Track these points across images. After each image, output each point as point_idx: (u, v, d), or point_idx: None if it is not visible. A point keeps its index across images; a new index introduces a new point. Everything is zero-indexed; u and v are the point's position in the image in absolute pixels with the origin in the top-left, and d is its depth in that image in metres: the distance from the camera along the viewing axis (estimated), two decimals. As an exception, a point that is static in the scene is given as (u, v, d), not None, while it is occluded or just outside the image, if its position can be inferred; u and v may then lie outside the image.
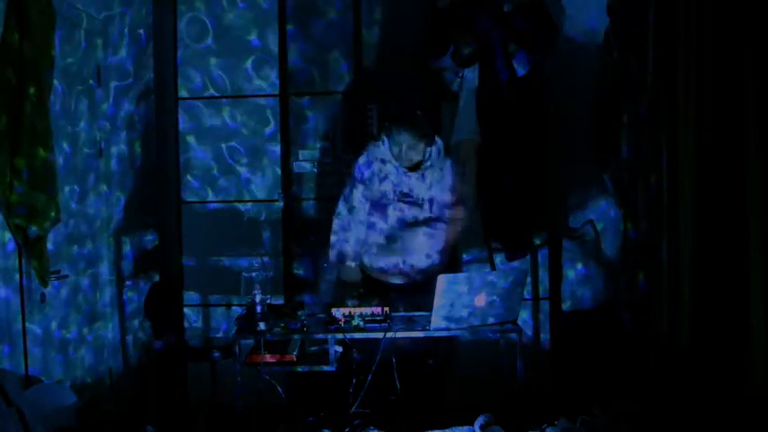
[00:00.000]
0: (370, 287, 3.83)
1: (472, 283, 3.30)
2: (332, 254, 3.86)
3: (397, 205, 3.76)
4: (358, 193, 3.79)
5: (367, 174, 3.77)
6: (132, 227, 4.40)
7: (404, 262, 3.81)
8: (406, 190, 3.75)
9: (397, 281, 3.85)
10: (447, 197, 3.79)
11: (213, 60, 4.68)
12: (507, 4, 4.14)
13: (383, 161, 3.75)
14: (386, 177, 3.75)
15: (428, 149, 3.71)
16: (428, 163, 3.73)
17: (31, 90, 3.12)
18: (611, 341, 4.09)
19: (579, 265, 4.56)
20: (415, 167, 3.72)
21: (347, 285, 3.87)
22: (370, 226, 3.81)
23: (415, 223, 3.78)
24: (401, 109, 3.94)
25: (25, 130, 3.09)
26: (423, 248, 3.79)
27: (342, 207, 3.84)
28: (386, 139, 3.73)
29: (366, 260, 3.85)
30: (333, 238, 3.85)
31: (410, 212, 3.77)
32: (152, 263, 4.60)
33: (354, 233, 3.80)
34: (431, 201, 3.76)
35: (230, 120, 4.71)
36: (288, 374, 3.75)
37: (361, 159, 3.80)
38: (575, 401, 3.48)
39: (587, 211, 4.52)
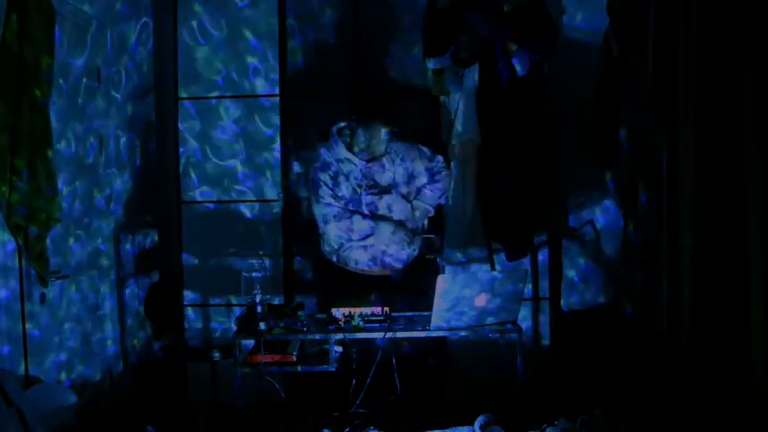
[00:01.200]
0: (359, 282, 3.84)
1: (472, 282, 3.30)
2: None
3: (367, 198, 3.77)
4: (325, 195, 3.78)
5: (327, 175, 3.79)
6: (132, 226, 4.39)
7: (383, 253, 3.80)
8: (372, 182, 3.77)
9: (378, 273, 3.83)
10: (415, 179, 3.82)
11: (214, 60, 4.68)
12: (507, 4, 4.14)
13: (340, 161, 3.79)
14: (349, 173, 3.77)
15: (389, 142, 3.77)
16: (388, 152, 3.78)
17: (32, 90, 3.12)
18: (611, 341, 4.09)
19: (579, 265, 4.55)
20: (374, 159, 3.77)
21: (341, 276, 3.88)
22: (345, 223, 3.79)
23: (386, 216, 3.78)
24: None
25: (25, 130, 3.09)
26: (399, 238, 3.79)
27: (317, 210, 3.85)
28: (338, 140, 3.79)
29: (347, 256, 3.83)
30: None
31: (381, 202, 3.77)
32: (152, 262, 4.60)
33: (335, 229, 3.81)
34: (396, 186, 3.78)
35: (231, 119, 4.70)
36: (288, 374, 3.75)
37: (317, 165, 3.83)
38: (575, 401, 3.48)
39: (587, 211, 4.52)
